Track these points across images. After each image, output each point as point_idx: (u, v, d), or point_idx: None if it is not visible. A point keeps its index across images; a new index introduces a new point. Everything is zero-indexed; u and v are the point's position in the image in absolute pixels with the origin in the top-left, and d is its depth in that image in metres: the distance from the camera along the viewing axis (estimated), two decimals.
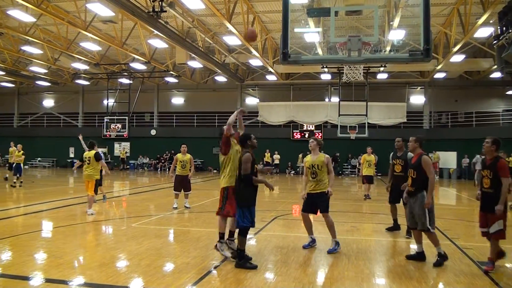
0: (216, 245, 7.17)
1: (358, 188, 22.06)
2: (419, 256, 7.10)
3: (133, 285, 5.80)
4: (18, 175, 18.77)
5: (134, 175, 28.20)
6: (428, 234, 6.96)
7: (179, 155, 12.92)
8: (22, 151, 19.10)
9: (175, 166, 12.90)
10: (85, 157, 11.88)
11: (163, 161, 35.22)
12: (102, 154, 12.87)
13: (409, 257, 7.22)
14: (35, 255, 7.29)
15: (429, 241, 7.00)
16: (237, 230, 6.85)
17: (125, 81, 34.45)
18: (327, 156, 7.83)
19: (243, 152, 6.80)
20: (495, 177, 6.52)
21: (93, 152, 11.90)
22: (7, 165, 20.67)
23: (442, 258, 6.86)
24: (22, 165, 18.94)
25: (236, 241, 7.03)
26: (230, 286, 5.72)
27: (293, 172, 32.74)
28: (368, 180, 16.03)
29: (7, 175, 20.02)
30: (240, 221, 6.62)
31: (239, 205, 6.67)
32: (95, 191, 12.08)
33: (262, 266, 6.65)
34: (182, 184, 12.85)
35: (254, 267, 6.51)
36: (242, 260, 6.56)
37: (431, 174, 6.98)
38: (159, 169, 34.87)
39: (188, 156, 12.93)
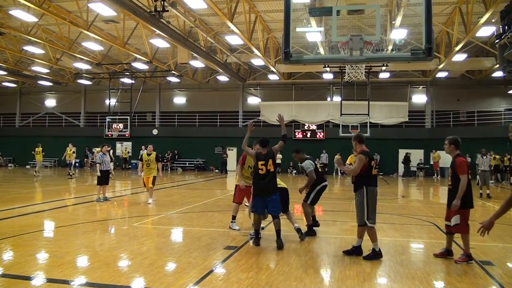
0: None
1: None
2: (356, 251, 7.28)
3: (135, 284, 5.79)
4: (70, 169, 24.31)
5: (136, 175, 28.17)
6: (366, 229, 7.15)
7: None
8: (72, 150, 24.05)
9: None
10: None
11: (165, 160, 35.22)
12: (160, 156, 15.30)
13: (346, 252, 7.38)
14: (37, 255, 7.30)
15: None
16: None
17: (127, 80, 34.54)
18: None
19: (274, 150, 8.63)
20: (454, 174, 6.92)
21: (153, 154, 14.35)
22: (67, 162, 25.33)
23: (374, 255, 7.04)
24: (72, 161, 24.14)
25: (236, 223, 9.54)
26: (232, 286, 5.71)
27: (294, 171, 32.70)
28: None
29: (69, 172, 24.04)
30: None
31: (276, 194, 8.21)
32: (153, 184, 14.24)
33: (264, 265, 6.65)
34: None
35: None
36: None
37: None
38: (161, 169, 34.72)
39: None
